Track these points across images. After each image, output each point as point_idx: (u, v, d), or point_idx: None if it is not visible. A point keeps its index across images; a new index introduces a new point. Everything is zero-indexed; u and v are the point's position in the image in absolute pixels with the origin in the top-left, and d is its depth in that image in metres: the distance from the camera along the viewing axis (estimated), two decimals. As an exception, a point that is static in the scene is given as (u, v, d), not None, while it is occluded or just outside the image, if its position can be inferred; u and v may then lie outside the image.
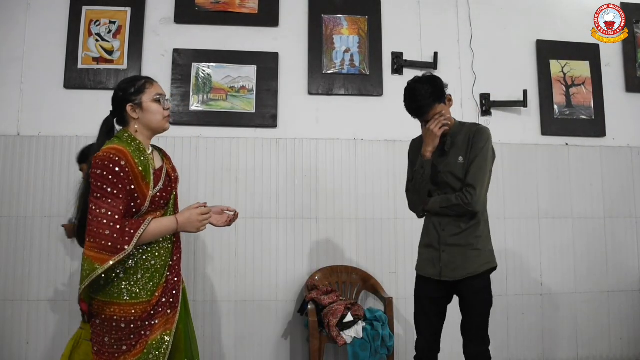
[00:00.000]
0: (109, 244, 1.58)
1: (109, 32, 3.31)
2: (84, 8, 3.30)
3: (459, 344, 2.19)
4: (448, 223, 2.11)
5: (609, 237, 3.52)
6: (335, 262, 3.28)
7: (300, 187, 3.32)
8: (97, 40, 3.29)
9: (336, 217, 3.32)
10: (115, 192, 1.62)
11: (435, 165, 2.15)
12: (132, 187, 1.66)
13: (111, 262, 1.59)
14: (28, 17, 3.28)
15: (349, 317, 2.81)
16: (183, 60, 3.31)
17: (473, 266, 2.08)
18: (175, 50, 3.31)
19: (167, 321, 1.71)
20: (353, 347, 2.75)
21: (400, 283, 3.28)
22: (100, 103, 3.21)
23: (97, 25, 3.30)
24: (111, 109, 1.84)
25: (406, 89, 2.15)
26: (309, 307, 2.89)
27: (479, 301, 2.10)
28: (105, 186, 1.62)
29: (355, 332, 2.78)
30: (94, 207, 1.61)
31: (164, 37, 3.35)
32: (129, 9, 3.32)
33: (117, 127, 1.86)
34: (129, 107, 1.77)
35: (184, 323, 1.83)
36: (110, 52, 3.29)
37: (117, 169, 1.62)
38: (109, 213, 1.60)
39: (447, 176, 2.12)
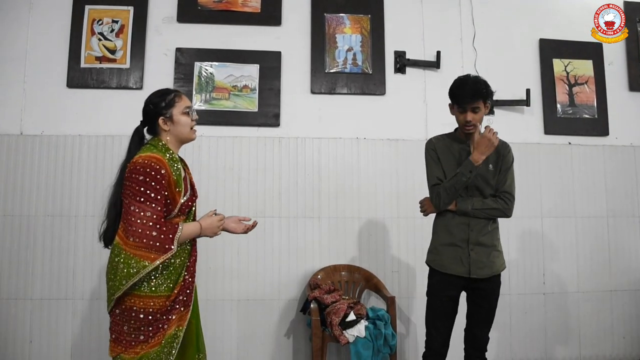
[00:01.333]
0: (157, 243, 1.74)
1: (112, 31, 3.31)
2: (87, 7, 3.30)
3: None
4: (477, 224, 2.22)
5: (612, 236, 3.52)
6: (337, 261, 3.28)
7: (303, 186, 3.32)
8: (99, 39, 3.29)
9: (339, 216, 3.32)
10: (158, 197, 1.77)
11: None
12: (167, 193, 1.82)
13: (160, 260, 1.75)
14: (31, 16, 3.29)
15: (352, 316, 2.81)
16: (185, 59, 3.32)
17: (496, 266, 2.25)
18: (178, 49, 3.32)
19: (181, 318, 1.85)
20: (356, 346, 2.75)
21: (402, 282, 3.29)
22: (102, 102, 3.24)
23: (99, 24, 3.30)
24: (141, 119, 1.97)
25: (464, 78, 2.25)
26: (312, 306, 2.89)
27: (496, 297, 2.28)
28: (148, 191, 1.76)
29: (357, 331, 2.78)
30: (137, 210, 1.75)
31: (167, 36, 3.35)
32: (131, 8, 3.32)
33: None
34: (160, 120, 1.90)
35: (196, 319, 1.97)
36: (112, 51, 3.29)
37: (158, 176, 1.77)
38: (154, 216, 1.75)
39: (479, 181, 2.23)
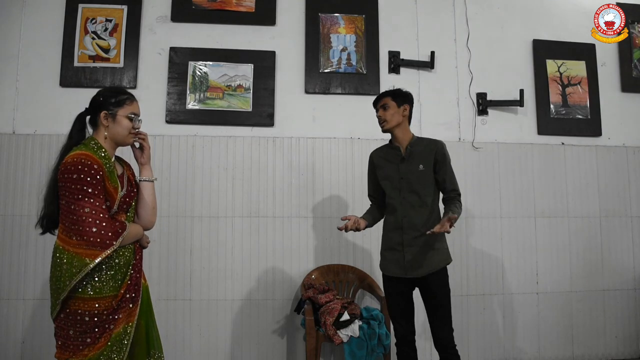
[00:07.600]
0: (98, 239, 1.71)
1: (105, 30, 3.29)
2: (80, 6, 3.29)
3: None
4: (409, 227, 2.34)
5: (604, 236, 3.54)
6: (331, 261, 3.29)
7: (297, 185, 3.32)
8: (93, 38, 3.28)
9: (333, 215, 3.32)
10: (95, 192, 1.74)
11: (397, 171, 2.40)
12: (104, 186, 1.79)
13: (102, 257, 1.71)
14: (24, 14, 3.27)
15: (346, 316, 2.82)
16: (180, 59, 3.31)
17: (433, 264, 2.33)
18: (172, 49, 3.31)
19: (129, 314, 1.84)
20: (350, 346, 2.75)
21: (396, 282, 3.29)
22: (96, 101, 3.22)
23: (93, 23, 3.29)
24: (87, 107, 1.93)
25: None
26: (306, 306, 2.89)
27: (441, 294, 2.34)
28: (85, 187, 1.72)
29: (351, 330, 2.78)
30: (76, 208, 1.71)
31: (161, 35, 3.34)
32: (125, 7, 3.31)
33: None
34: (102, 114, 1.87)
35: (145, 318, 1.94)
36: (106, 50, 3.28)
37: (92, 171, 1.74)
38: (93, 212, 1.72)
39: (411, 181, 2.37)
